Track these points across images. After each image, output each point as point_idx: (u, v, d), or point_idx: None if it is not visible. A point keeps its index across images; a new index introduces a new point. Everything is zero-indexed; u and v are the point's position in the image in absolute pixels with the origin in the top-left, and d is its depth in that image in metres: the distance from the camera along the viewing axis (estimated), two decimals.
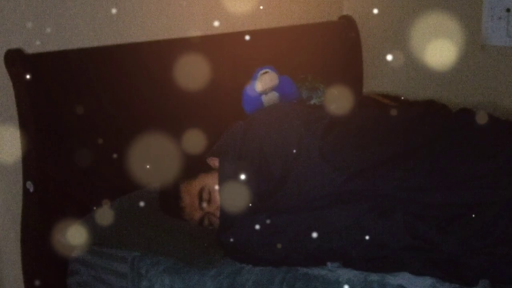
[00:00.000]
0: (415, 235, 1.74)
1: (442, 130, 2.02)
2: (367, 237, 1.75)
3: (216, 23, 2.59)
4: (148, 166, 2.23)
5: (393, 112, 2.17)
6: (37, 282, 2.06)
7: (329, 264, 1.79)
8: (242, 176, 1.96)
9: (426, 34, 3.12)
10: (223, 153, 2.10)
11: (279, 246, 1.81)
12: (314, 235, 1.78)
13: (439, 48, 3.11)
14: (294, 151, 1.99)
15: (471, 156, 1.89)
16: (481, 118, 2.04)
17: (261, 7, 2.83)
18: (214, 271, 1.84)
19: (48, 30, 2.10)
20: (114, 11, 2.27)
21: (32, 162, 2.01)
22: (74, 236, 2.02)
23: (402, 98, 3.04)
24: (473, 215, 1.74)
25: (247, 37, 2.59)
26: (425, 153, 1.94)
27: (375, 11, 3.26)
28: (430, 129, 2.04)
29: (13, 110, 2.02)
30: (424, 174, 1.87)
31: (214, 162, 2.11)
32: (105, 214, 2.05)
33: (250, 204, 1.92)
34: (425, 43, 3.13)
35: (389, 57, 3.21)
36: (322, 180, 1.90)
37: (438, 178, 1.86)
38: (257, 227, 1.84)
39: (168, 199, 2.06)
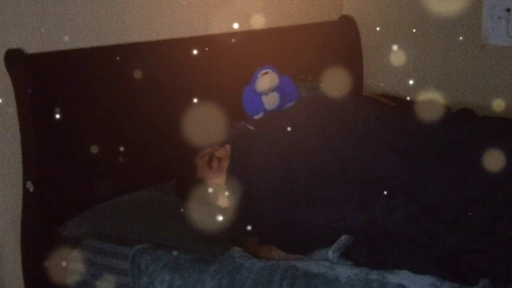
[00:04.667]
0: (416, 224, 1.75)
1: (442, 130, 2.02)
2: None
3: (216, 23, 2.59)
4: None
5: (394, 112, 2.18)
6: (37, 282, 2.06)
7: (330, 254, 1.78)
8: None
9: (426, 34, 3.12)
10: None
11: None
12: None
13: (439, 48, 3.11)
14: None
15: (471, 156, 1.89)
16: (481, 118, 2.05)
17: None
18: (213, 268, 1.84)
19: (48, 30, 2.10)
20: (114, 11, 2.27)
21: (32, 162, 2.01)
22: (75, 228, 2.02)
23: (403, 97, 3.04)
24: (473, 215, 1.75)
25: (245, 34, 2.59)
26: (425, 153, 1.95)
27: (375, 11, 3.26)
28: (429, 129, 2.04)
29: (13, 110, 2.02)
30: (424, 175, 1.87)
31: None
32: (106, 208, 2.06)
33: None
34: (425, 43, 3.14)
35: (389, 57, 3.20)
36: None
37: (438, 177, 1.86)
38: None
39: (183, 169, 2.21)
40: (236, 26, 2.67)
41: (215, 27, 2.59)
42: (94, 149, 2.14)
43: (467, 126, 2.04)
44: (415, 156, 1.97)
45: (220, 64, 2.53)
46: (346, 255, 1.78)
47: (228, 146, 2.23)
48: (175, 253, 1.88)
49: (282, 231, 1.93)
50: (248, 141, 2.25)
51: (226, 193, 2.09)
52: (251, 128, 2.42)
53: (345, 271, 1.72)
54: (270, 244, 1.92)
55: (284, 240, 1.90)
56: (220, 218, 1.94)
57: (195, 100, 2.43)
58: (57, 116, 2.05)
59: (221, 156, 2.17)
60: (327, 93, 2.40)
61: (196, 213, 1.98)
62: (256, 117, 2.51)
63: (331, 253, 1.78)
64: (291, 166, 2.07)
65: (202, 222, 1.92)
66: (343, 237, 1.80)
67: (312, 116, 2.24)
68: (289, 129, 2.19)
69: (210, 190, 2.10)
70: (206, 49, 2.45)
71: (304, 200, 1.95)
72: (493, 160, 1.88)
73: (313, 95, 2.43)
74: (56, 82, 2.06)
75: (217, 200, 2.10)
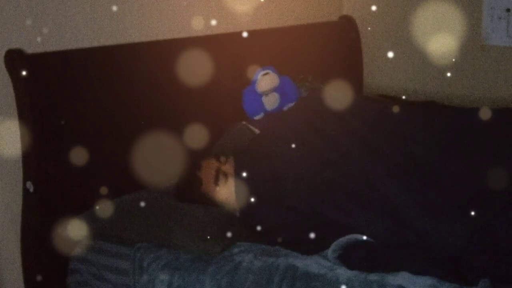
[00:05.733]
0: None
1: (442, 130, 2.03)
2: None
3: (216, 23, 2.59)
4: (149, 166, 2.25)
5: (393, 112, 2.18)
6: (37, 282, 2.06)
7: (329, 253, 1.78)
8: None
9: (426, 34, 3.12)
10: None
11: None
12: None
13: (439, 48, 3.11)
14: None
15: (471, 156, 1.90)
16: (482, 117, 2.05)
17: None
18: (212, 268, 1.84)
19: (48, 30, 2.10)
20: (114, 11, 2.27)
21: (32, 162, 2.01)
22: (75, 228, 2.03)
23: (403, 97, 3.04)
24: (473, 214, 1.75)
25: (245, 34, 2.58)
26: (425, 154, 1.95)
27: (375, 10, 3.26)
28: (429, 130, 2.04)
29: (13, 110, 2.02)
30: (423, 176, 1.88)
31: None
32: (106, 209, 2.06)
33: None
34: (425, 43, 3.13)
35: (389, 57, 3.20)
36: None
37: (438, 178, 1.87)
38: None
39: (186, 173, 2.18)
40: (235, 26, 2.67)
41: (215, 27, 2.59)
42: (94, 149, 2.14)
43: (467, 126, 2.04)
44: (415, 156, 1.97)
45: (220, 64, 2.53)
46: (346, 258, 1.78)
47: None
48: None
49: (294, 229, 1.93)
50: (250, 143, 2.25)
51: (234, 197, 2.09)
52: (255, 130, 2.42)
53: (345, 272, 1.72)
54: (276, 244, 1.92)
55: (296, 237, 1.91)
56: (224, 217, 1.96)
57: (195, 100, 2.42)
58: (57, 116, 2.05)
59: (227, 171, 2.14)
60: (328, 93, 2.40)
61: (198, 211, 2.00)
62: (257, 117, 2.52)
63: (330, 253, 1.78)
64: (292, 166, 2.08)
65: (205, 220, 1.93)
66: (344, 238, 1.80)
67: (312, 116, 2.24)
68: (289, 130, 2.20)
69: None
70: (206, 49, 2.45)
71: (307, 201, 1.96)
72: (493, 160, 1.88)
73: (314, 96, 2.43)
74: (56, 82, 2.06)
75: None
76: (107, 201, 2.10)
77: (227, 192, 2.10)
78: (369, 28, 3.21)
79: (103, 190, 2.14)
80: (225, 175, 2.12)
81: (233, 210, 2.09)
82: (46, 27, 2.09)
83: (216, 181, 2.11)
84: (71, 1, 2.15)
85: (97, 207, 2.08)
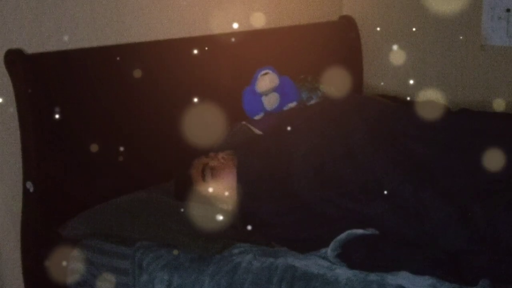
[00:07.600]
0: (416, 224, 1.76)
1: (442, 130, 2.03)
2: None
3: (216, 23, 2.59)
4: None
5: (394, 113, 2.19)
6: (37, 282, 2.06)
7: (329, 252, 1.78)
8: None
9: (426, 34, 3.12)
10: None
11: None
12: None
13: (439, 48, 3.11)
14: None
15: (471, 157, 1.90)
16: (482, 117, 2.05)
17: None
18: (212, 268, 1.84)
19: (48, 30, 2.10)
20: (114, 11, 2.27)
21: (32, 162, 2.01)
22: (75, 228, 2.03)
23: (404, 97, 3.04)
24: (473, 215, 1.75)
25: (245, 34, 2.58)
26: (425, 153, 1.95)
27: (375, 11, 3.26)
28: (429, 130, 2.04)
29: (13, 110, 2.02)
30: (423, 176, 1.88)
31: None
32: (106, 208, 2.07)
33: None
34: (425, 43, 3.14)
35: (389, 57, 3.20)
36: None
37: (437, 179, 1.87)
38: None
39: (180, 171, 2.20)
40: (236, 26, 2.67)
41: (215, 27, 2.59)
42: (94, 149, 2.14)
43: (467, 126, 2.04)
44: (415, 156, 1.97)
45: (220, 64, 2.53)
46: (346, 256, 1.78)
47: (223, 154, 2.20)
48: (175, 252, 1.87)
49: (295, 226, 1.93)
50: (250, 142, 2.25)
51: (226, 193, 2.08)
52: (255, 130, 2.42)
53: (344, 272, 1.72)
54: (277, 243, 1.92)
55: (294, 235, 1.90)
56: (221, 217, 1.95)
57: (195, 100, 2.43)
58: (57, 116, 2.05)
59: (214, 166, 2.13)
60: (329, 95, 2.40)
61: (196, 211, 1.99)
62: (257, 117, 2.52)
63: (329, 251, 1.78)
64: (292, 165, 2.08)
65: (203, 220, 1.92)
66: (343, 234, 1.80)
67: (312, 116, 2.25)
68: (289, 128, 2.19)
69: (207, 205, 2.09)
70: (206, 49, 2.45)
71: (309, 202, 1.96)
72: (494, 160, 1.88)
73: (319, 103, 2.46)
74: (56, 82, 2.06)
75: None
76: (107, 201, 2.10)
77: (215, 186, 2.10)
78: (378, 29, 3.21)
79: (103, 190, 2.14)
80: (212, 170, 2.12)
81: (225, 205, 2.09)
82: (46, 27, 2.09)
83: (203, 176, 2.11)
84: (71, 1, 2.15)
85: (97, 207, 2.07)
